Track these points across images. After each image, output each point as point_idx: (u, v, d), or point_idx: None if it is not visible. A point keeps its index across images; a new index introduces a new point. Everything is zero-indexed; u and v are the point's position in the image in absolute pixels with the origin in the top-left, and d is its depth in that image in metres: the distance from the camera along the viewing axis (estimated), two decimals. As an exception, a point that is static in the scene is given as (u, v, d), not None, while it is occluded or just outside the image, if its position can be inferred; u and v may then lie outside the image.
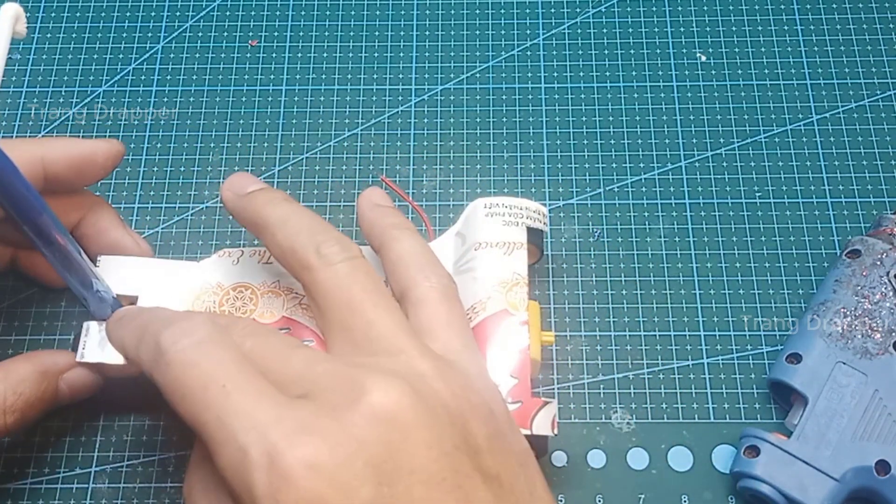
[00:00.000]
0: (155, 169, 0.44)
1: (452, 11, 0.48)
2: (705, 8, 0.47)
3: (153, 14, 0.48)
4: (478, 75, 0.46)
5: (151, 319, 0.29)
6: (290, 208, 0.32)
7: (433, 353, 0.28)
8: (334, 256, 0.30)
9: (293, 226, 0.31)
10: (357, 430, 0.25)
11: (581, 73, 0.46)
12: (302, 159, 0.44)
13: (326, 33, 0.47)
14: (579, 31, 0.47)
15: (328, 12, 0.48)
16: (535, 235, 0.37)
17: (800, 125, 0.44)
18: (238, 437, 0.24)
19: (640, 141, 0.44)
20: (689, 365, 0.39)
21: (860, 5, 0.47)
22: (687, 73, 0.46)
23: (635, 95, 0.45)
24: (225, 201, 0.34)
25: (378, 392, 0.25)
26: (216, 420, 0.25)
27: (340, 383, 0.26)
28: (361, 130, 0.45)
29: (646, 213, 0.42)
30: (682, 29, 0.47)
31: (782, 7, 0.47)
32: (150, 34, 0.47)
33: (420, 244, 0.33)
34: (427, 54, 0.47)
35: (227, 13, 0.48)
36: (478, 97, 0.45)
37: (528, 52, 0.46)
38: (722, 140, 0.44)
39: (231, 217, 0.35)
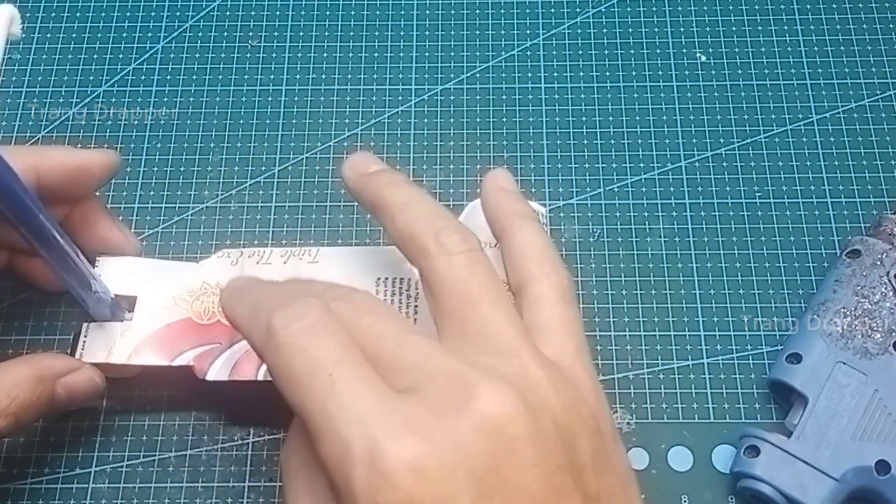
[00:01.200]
0: (155, 169, 0.44)
1: (452, 11, 0.48)
2: (705, 8, 0.47)
3: (153, 14, 0.48)
4: (478, 75, 0.46)
5: (265, 297, 0.28)
6: (412, 191, 0.31)
7: (547, 360, 0.27)
8: (454, 246, 0.29)
9: (414, 210, 0.30)
10: (463, 436, 0.24)
11: (581, 73, 0.46)
12: (302, 159, 0.44)
13: (326, 33, 0.47)
14: (579, 31, 0.47)
15: (328, 12, 0.48)
16: (534, 235, 0.37)
17: (800, 125, 0.44)
18: (341, 429, 0.24)
19: (640, 141, 0.44)
20: (689, 365, 0.39)
21: (860, 5, 0.47)
22: (687, 73, 0.46)
23: (635, 95, 0.45)
24: (346, 179, 0.33)
25: (489, 399, 0.24)
26: (321, 409, 0.24)
27: (452, 382, 0.25)
28: (361, 130, 0.45)
29: (646, 213, 0.42)
30: (682, 29, 0.47)
31: (782, 7, 0.47)
32: (150, 34, 0.47)
33: (543, 237, 0.31)
34: (427, 54, 0.47)
35: (227, 13, 0.48)
36: (478, 97, 0.45)
37: (528, 52, 0.46)
38: (722, 140, 0.44)
39: (349, 197, 0.33)
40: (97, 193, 0.38)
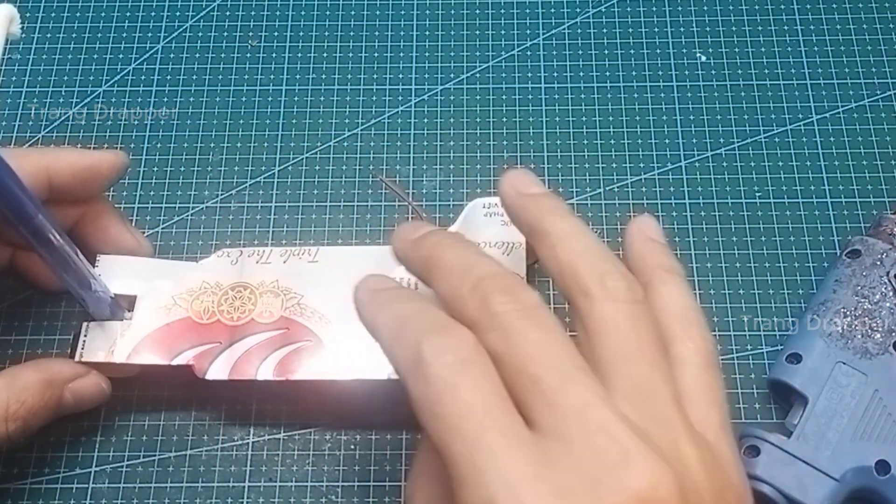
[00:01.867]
0: (155, 169, 0.44)
1: (452, 11, 0.48)
2: (705, 8, 0.47)
3: (153, 14, 0.48)
4: (478, 75, 0.46)
5: (413, 315, 0.27)
6: (575, 224, 0.30)
7: (698, 436, 0.26)
8: (620, 293, 0.27)
9: (578, 244, 0.29)
10: None
11: (581, 73, 0.46)
12: (302, 159, 0.44)
13: (326, 33, 0.47)
14: (579, 31, 0.47)
15: (328, 12, 0.48)
16: (534, 235, 0.37)
17: (800, 125, 0.44)
18: (488, 484, 0.23)
19: (640, 141, 0.44)
20: (688, 365, 0.39)
21: (860, 5, 0.47)
22: (687, 73, 0.46)
23: (635, 95, 0.45)
24: (504, 196, 0.32)
25: (644, 478, 0.23)
26: (467, 455, 0.23)
27: (607, 446, 0.24)
28: (361, 130, 0.45)
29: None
30: (682, 29, 0.47)
31: (782, 7, 0.47)
32: (150, 34, 0.47)
33: (689, 296, 0.30)
34: (427, 54, 0.47)
35: (227, 13, 0.48)
36: (478, 97, 0.45)
37: (528, 52, 0.46)
38: (722, 140, 0.44)
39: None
40: (106, 194, 0.38)
